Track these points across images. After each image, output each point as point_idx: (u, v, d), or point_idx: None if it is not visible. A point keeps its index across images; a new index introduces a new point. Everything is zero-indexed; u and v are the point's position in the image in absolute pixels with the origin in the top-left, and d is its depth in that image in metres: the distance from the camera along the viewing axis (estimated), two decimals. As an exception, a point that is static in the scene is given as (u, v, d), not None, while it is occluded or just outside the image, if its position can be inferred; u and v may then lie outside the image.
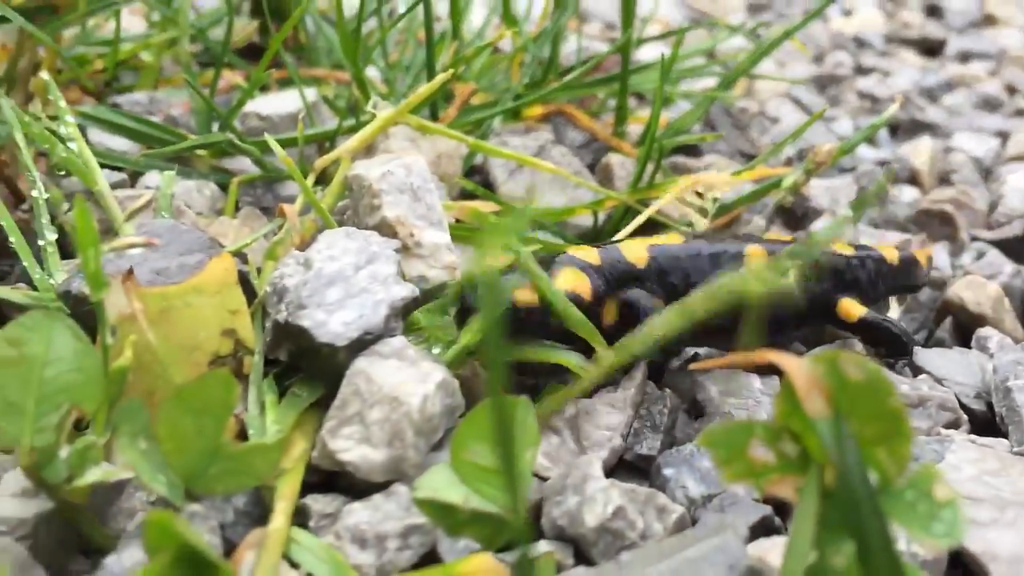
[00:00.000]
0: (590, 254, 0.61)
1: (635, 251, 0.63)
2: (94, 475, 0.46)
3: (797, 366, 0.38)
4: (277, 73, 1.03)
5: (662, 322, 0.42)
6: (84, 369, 0.47)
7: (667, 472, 0.53)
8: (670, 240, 0.65)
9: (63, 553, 0.47)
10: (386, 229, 0.64)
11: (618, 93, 0.90)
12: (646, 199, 0.77)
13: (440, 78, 0.71)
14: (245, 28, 1.09)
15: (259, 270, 0.63)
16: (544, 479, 0.54)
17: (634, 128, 0.96)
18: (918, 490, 0.37)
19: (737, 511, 0.49)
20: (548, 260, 0.60)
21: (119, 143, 0.82)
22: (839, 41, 1.54)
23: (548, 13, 0.95)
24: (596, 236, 0.79)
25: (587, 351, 0.58)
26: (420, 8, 0.90)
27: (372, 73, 1.00)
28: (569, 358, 0.57)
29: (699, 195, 0.79)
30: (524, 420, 0.47)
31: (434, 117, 0.87)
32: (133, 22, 1.14)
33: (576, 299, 0.57)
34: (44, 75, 0.71)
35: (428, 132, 0.72)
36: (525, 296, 0.56)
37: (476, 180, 0.86)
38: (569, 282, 0.58)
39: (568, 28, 1.15)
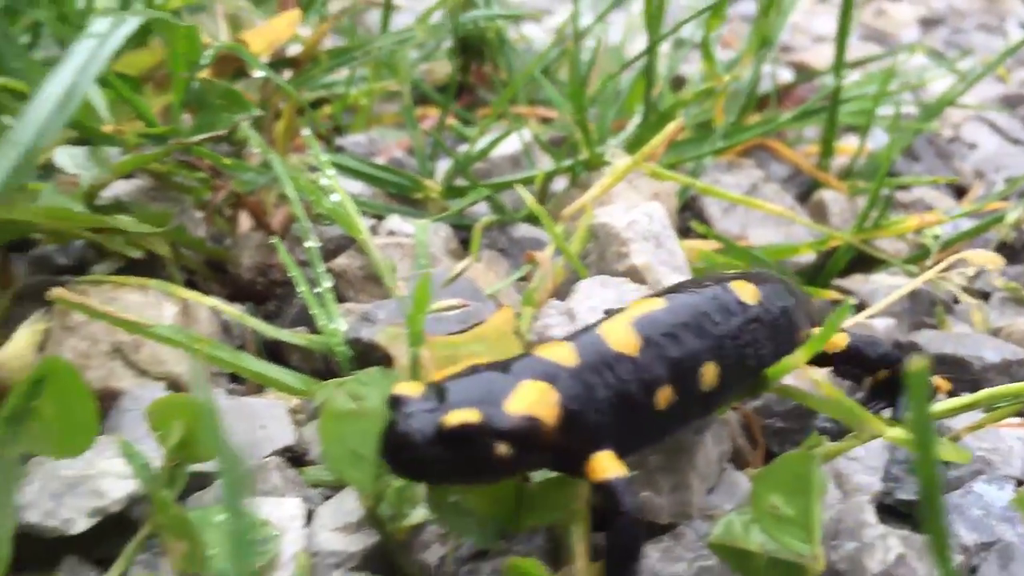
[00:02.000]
0: (563, 351, 0.49)
1: (620, 336, 0.50)
2: (417, 516, 0.51)
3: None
4: (481, 111, 1.08)
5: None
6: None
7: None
8: (646, 308, 0.52)
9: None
10: (634, 276, 0.68)
11: (825, 129, 0.91)
12: (870, 239, 0.78)
13: (673, 125, 0.74)
14: (447, 67, 1.14)
15: (517, 324, 0.67)
16: (813, 524, 0.56)
17: (836, 160, 0.98)
18: None
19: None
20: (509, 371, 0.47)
21: (353, 186, 0.87)
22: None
23: (752, 51, 0.97)
24: (815, 273, 0.81)
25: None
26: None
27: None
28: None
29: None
30: (819, 476, 0.49)
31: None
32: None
33: (532, 425, 0.45)
34: (305, 132, 0.76)
35: (662, 179, 0.75)
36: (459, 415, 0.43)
37: (687, 215, 0.89)
38: (525, 403, 0.45)
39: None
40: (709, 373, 0.51)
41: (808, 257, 0.81)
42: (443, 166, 0.91)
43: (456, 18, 1.00)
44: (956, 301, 0.79)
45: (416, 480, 0.46)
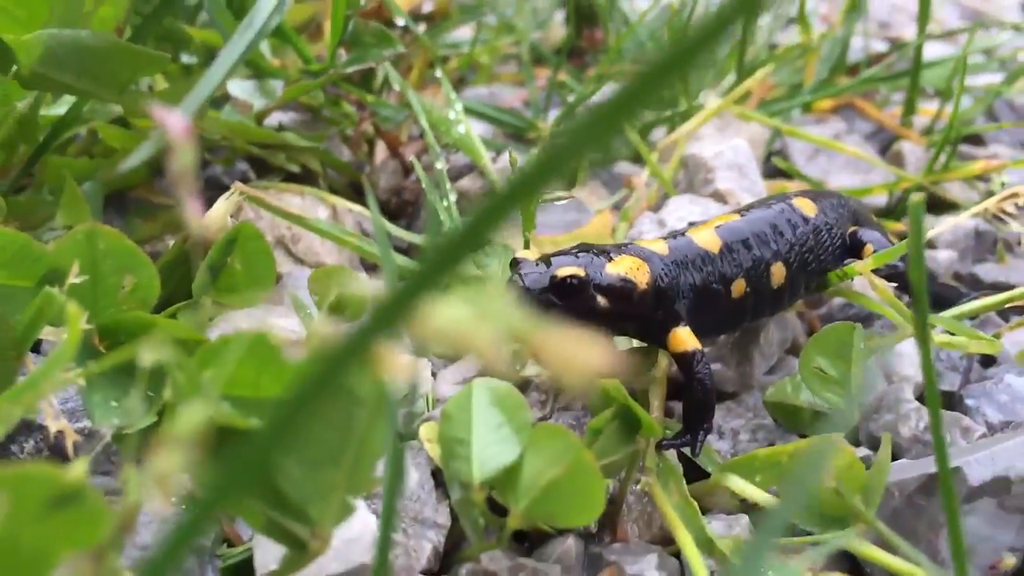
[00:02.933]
0: (658, 245, 0.59)
1: (706, 237, 0.60)
2: (528, 371, 0.62)
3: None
4: (591, 71, 1.19)
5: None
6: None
7: (969, 402, 0.64)
8: (728, 219, 0.62)
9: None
10: (718, 198, 0.78)
11: (908, 88, 0.99)
12: (938, 180, 0.86)
13: (761, 72, 0.83)
14: (561, 32, 1.25)
15: (614, 229, 0.78)
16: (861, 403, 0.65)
17: (917, 120, 1.05)
18: None
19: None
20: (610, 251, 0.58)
21: (477, 127, 0.99)
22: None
23: (842, 15, 1.05)
24: (888, 214, 0.89)
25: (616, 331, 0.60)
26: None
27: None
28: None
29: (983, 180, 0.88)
30: (861, 345, 0.59)
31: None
32: (464, 30, 1.34)
33: (627, 285, 0.55)
34: (439, 73, 0.89)
35: (747, 119, 0.84)
36: (569, 269, 0.54)
37: (774, 163, 0.98)
38: (623, 268, 0.56)
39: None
40: (778, 273, 0.61)
41: (881, 199, 0.90)
42: (554, 115, 1.03)
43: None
44: (1020, 242, 0.86)
45: None
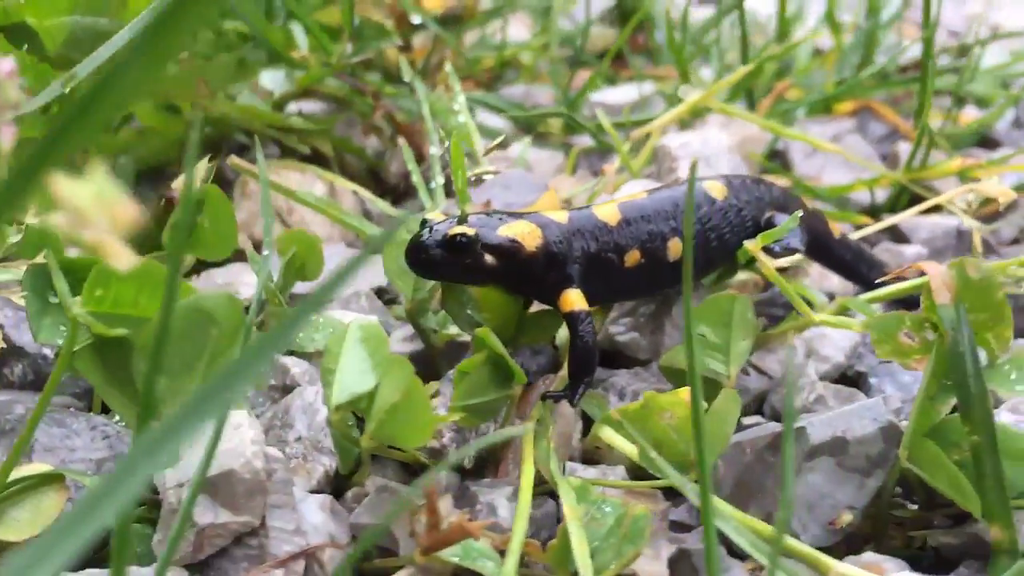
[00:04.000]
0: (560, 215, 0.64)
1: (606, 211, 0.65)
2: (450, 332, 0.68)
3: (935, 270, 0.51)
4: (627, 72, 1.24)
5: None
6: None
7: (872, 380, 0.66)
8: (633, 197, 0.67)
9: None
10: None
11: (919, 91, 0.99)
12: (921, 179, 0.87)
13: (740, 71, 0.87)
14: (605, 35, 1.30)
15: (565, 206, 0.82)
16: (771, 377, 0.68)
17: (938, 125, 1.05)
18: (1014, 365, 0.48)
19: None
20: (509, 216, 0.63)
21: (495, 120, 1.06)
22: None
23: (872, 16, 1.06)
24: (873, 212, 0.91)
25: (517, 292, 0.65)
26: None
27: (707, 74, 1.17)
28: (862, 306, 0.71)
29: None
30: (743, 315, 0.62)
31: (751, 107, 1.03)
32: (521, 31, 1.41)
33: (514, 246, 0.60)
34: (447, 67, 0.96)
35: (728, 115, 0.88)
36: (459, 228, 0.59)
37: (777, 162, 1.00)
38: (514, 231, 0.61)
39: (900, 34, 1.25)
40: (675, 247, 0.65)
41: (865, 196, 0.91)
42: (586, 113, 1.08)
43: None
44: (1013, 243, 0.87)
45: (426, 276, 0.63)
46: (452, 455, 0.59)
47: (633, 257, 0.64)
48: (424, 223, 0.62)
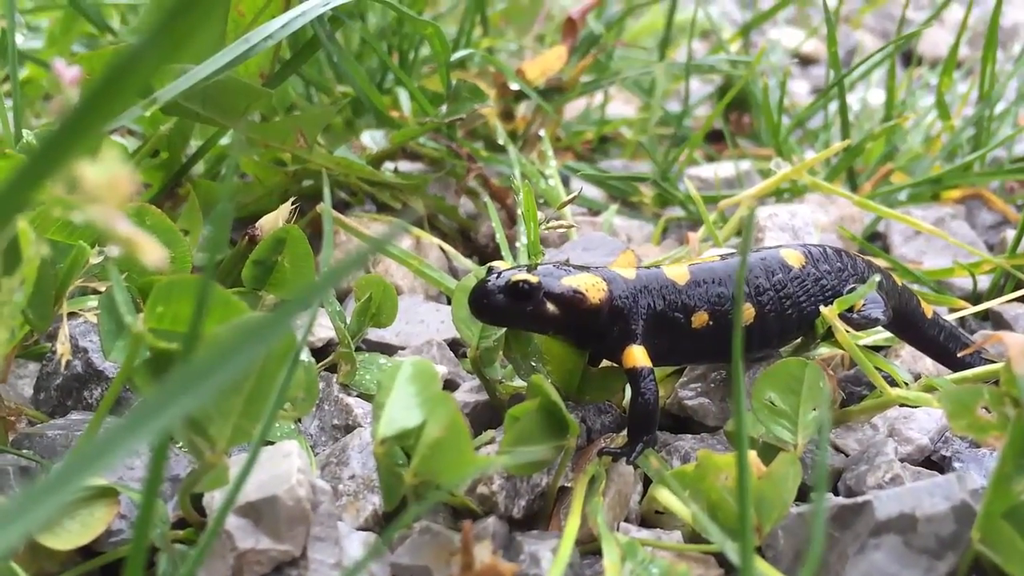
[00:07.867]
0: (628, 272, 0.63)
1: (676, 271, 0.64)
2: (516, 384, 0.67)
3: (1014, 340, 0.48)
4: (729, 151, 1.23)
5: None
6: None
7: (956, 465, 0.62)
8: (706, 261, 0.66)
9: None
10: (766, 257, 0.80)
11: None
12: (1021, 265, 0.83)
13: (831, 149, 0.85)
14: (708, 115, 1.30)
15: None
16: (847, 455, 0.65)
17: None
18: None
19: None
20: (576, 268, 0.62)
21: (590, 190, 1.06)
22: None
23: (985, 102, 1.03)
24: (975, 299, 0.86)
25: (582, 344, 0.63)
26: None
27: (809, 154, 1.15)
28: (896, 372, 0.68)
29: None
30: (814, 382, 0.59)
31: (852, 188, 1.01)
32: (627, 109, 1.42)
33: (577, 296, 0.60)
34: (541, 133, 0.97)
35: (819, 190, 0.86)
36: (522, 275, 0.59)
37: (877, 244, 0.97)
38: (579, 282, 0.61)
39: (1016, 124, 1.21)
40: (747, 312, 0.63)
41: (967, 281, 0.87)
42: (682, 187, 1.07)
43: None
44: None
45: (488, 321, 0.63)
46: (501, 502, 0.57)
47: (700, 319, 0.63)
48: (490, 270, 0.62)
